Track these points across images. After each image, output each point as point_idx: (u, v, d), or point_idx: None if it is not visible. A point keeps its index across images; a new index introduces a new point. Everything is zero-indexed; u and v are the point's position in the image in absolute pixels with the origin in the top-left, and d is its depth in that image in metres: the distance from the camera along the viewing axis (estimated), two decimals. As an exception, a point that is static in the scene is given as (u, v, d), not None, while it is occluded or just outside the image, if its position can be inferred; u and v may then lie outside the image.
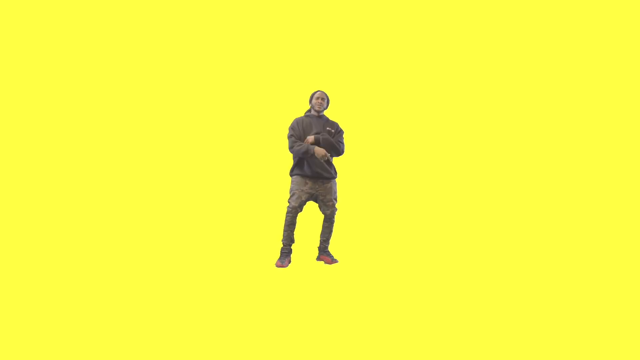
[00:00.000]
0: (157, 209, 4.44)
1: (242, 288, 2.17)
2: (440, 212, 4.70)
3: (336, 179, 3.31)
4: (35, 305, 1.81)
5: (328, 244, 3.09)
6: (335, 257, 3.10)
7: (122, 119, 4.64)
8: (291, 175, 3.03)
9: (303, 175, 2.94)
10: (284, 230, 2.90)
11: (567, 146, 4.68)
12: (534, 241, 3.90)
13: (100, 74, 4.63)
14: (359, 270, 2.71)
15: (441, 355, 1.37)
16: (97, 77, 4.62)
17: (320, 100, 3.03)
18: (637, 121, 4.52)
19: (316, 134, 2.95)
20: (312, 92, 3.19)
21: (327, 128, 3.01)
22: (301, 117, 3.06)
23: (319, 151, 2.88)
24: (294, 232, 3.15)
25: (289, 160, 4.35)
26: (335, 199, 3.05)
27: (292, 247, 3.12)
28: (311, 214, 4.61)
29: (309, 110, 3.10)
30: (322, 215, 3.18)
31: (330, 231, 3.07)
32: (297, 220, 4.12)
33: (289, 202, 2.97)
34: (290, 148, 2.92)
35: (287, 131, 3.05)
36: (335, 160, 4.34)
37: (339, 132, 3.06)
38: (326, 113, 3.18)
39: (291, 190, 2.96)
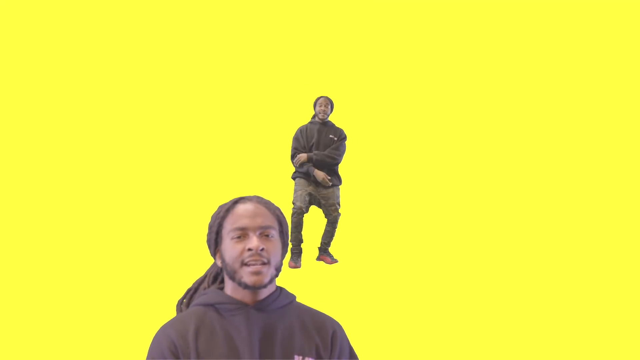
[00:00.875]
0: (159, 211, 4.42)
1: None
2: (442, 214, 4.62)
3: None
4: (33, 304, 1.85)
5: (329, 245, 3.13)
6: (335, 257, 3.12)
7: (124, 121, 4.61)
8: (293, 178, 3.05)
9: (306, 178, 2.97)
10: (291, 232, 2.89)
11: (574, 150, 4.65)
12: (536, 243, 3.84)
13: (100, 75, 4.60)
14: (359, 271, 2.71)
15: (441, 355, 1.45)
16: (97, 77, 4.60)
17: (324, 107, 3.01)
18: (637, 121, 4.51)
19: (309, 152, 2.98)
20: (316, 97, 3.19)
21: (330, 136, 3.00)
22: (305, 125, 3.09)
23: (319, 175, 2.91)
24: (302, 233, 3.14)
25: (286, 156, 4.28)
26: (338, 204, 3.05)
27: (302, 247, 3.12)
28: (313, 215, 4.62)
29: (314, 117, 3.10)
30: (325, 219, 3.17)
31: (332, 235, 3.08)
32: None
33: (293, 203, 2.99)
34: (294, 164, 2.96)
35: (292, 136, 3.08)
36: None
37: (341, 139, 3.05)
38: (332, 116, 3.16)
39: (295, 191, 2.98)
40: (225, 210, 0.81)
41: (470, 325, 1.71)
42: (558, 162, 4.66)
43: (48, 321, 1.61)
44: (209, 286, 0.88)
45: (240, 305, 0.78)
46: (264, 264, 0.76)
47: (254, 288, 0.76)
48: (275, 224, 0.81)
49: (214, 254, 0.85)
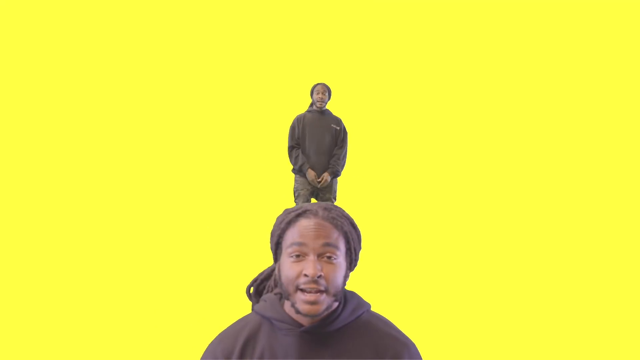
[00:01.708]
0: (160, 211, 4.36)
1: (242, 287, 2.09)
2: (440, 209, 4.66)
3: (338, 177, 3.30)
4: (32, 304, 1.75)
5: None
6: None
7: (119, 118, 4.56)
8: (294, 172, 2.98)
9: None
10: None
11: (579, 151, 4.67)
12: (536, 242, 3.88)
13: (99, 75, 4.56)
14: (358, 270, 2.66)
15: (441, 355, 1.34)
16: (96, 77, 4.55)
17: (322, 95, 2.93)
18: (637, 121, 4.53)
19: (305, 144, 2.93)
20: (313, 84, 3.10)
21: (332, 125, 2.93)
22: (302, 114, 2.99)
23: (310, 174, 2.86)
24: None
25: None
26: (335, 198, 3.01)
27: None
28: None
29: (312, 105, 3.02)
30: None
31: None
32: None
33: (295, 201, 2.94)
34: (291, 160, 2.91)
35: (288, 130, 3.00)
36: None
37: (344, 133, 3.00)
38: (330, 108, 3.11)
39: (295, 190, 2.91)
40: (287, 223, 0.73)
41: (469, 323, 1.67)
42: (558, 161, 4.68)
43: (48, 321, 1.61)
44: (274, 287, 0.83)
45: (293, 326, 0.71)
46: (320, 292, 0.67)
47: (308, 316, 0.68)
48: (341, 243, 0.71)
49: (275, 262, 0.78)
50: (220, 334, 0.76)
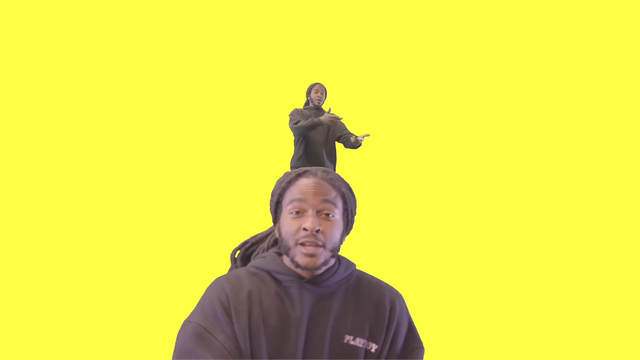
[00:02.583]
0: (159, 210, 4.36)
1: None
2: (442, 213, 4.67)
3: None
4: (34, 305, 1.75)
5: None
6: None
7: (119, 118, 4.57)
8: (291, 166, 2.97)
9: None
10: None
11: (580, 151, 4.68)
12: (536, 242, 3.89)
13: (99, 75, 4.56)
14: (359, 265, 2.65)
15: (441, 355, 1.34)
16: (96, 77, 4.56)
17: (320, 94, 2.97)
18: (637, 122, 4.54)
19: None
20: (309, 84, 3.13)
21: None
22: (299, 109, 3.01)
23: (326, 117, 2.61)
24: None
25: (287, 156, 4.29)
26: None
27: None
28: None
29: (307, 104, 3.04)
30: None
31: None
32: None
33: None
34: (294, 123, 2.76)
35: (284, 125, 3.00)
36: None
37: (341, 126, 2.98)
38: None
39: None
40: (287, 182, 0.76)
41: (468, 323, 1.66)
42: (557, 160, 4.68)
43: (48, 321, 1.60)
44: (267, 248, 0.85)
45: (295, 277, 0.74)
46: (318, 246, 0.71)
47: (306, 269, 0.72)
48: (339, 202, 0.75)
49: (274, 222, 0.80)
50: (220, 277, 0.76)
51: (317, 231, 0.70)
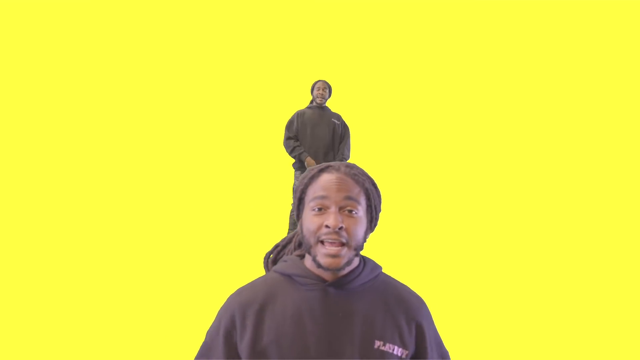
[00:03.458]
0: (158, 210, 4.35)
1: (241, 285, 2.08)
2: (442, 212, 4.66)
3: None
4: (32, 304, 1.75)
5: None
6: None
7: (118, 118, 4.58)
8: (294, 166, 2.97)
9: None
10: (290, 229, 2.82)
11: (581, 151, 4.66)
12: (535, 241, 3.86)
13: (99, 75, 4.58)
14: None
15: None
16: (96, 77, 4.57)
17: (322, 91, 2.95)
18: (637, 122, 4.52)
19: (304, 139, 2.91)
20: (314, 82, 3.12)
21: (332, 119, 2.94)
22: (302, 109, 3.01)
23: (309, 162, 2.81)
24: None
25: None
26: None
27: None
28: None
29: (312, 102, 3.03)
30: None
31: None
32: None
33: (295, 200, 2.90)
34: (287, 139, 2.88)
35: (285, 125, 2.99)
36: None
37: (345, 127, 2.98)
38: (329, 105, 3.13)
39: (295, 187, 2.86)
40: (310, 178, 0.73)
41: (468, 323, 1.64)
42: (557, 160, 4.67)
43: (48, 321, 1.62)
44: (294, 250, 0.82)
45: (317, 281, 0.70)
46: (342, 244, 0.67)
47: (329, 270, 0.68)
48: (362, 199, 0.71)
49: (297, 220, 0.76)
50: (239, 289, 0.75)
51: (340, 228, 0.67)
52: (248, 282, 0.80)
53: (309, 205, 0.71)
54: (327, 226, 0.67)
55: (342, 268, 0.68)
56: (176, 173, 4.57)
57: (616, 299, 2.12)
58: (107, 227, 4.08)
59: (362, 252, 0.80)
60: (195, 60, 4.77)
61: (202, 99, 4.78)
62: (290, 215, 2.86)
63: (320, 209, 0.69)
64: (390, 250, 3.47)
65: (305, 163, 2.77)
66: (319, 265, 0.68)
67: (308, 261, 0.73)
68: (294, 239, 0.83)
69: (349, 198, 0.69)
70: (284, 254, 0.84)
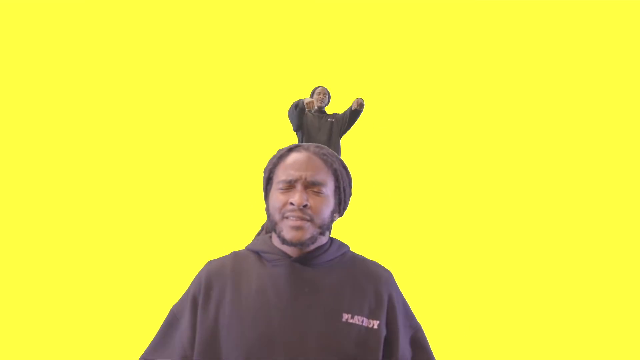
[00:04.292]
0: (158, 210, 4.30)
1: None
2: (443, 212, 4.63)
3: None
4: (31, 303, 1.75)
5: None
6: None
7: (118, 118, 4.55)
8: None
9: None
10: None
11: (581, 151, 4.65)
12: (534, 237, 3.86)
13: (99, 75, 4.55)
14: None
15: (441, 354, 1.34)
16: (95, 77, 4.55)
17: (322, 96, 3.00)
18: (637, 122, 4.52)
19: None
20: (313, 87, 3.15)
21: (328, 120, 2.97)
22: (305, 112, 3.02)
23: (307, 99, 2.65)
24: None
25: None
26: None
27: None
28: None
29: None
30: None
31: None
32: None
33: None
34: (291, 114, 2.77)
35: (288, 126, 3.01)
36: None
37: (344, 115, 3.00)
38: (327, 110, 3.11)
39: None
40: (278, 157, 0.74)
41: (468, 323, 1.65)
42: (557, 159, 4.66)
43: (47, 321, 1.65)
44: (267, 231, 0.82)
45: (283, 256, 0.71)
46: (304, 219, 0.67)
47: (293, 244, 0.68)
48: (330, 180, 0.72)
49: (265, 199, 0.77)
50: (210, 260, 0.76)
51: (305, 206, 0.67)
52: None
53: (277, 185, 0.71)
54: (291, 203, 0.67)
55: (306, 244, 0.68)
56: (176, 173, 4.53)
57: (614, 299, 2.12)
58: (107, 227, 4.05)
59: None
60: (196, 60, 4.75)
61: (202, 99, 4.76)
62: None
63: (287, 187, 0.69)
64: (389, 249, 3.46)
65: (306, 104, 2.67)
66: (283, 241, 0.69)
67: (275, 239, 0.74)
68: (264, 226, 0.85)
69: (315, 177, 0.69)
70: None
